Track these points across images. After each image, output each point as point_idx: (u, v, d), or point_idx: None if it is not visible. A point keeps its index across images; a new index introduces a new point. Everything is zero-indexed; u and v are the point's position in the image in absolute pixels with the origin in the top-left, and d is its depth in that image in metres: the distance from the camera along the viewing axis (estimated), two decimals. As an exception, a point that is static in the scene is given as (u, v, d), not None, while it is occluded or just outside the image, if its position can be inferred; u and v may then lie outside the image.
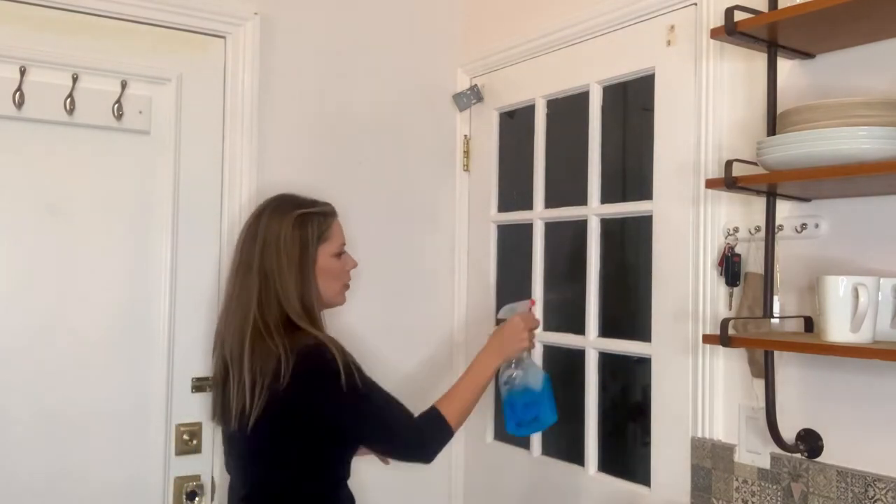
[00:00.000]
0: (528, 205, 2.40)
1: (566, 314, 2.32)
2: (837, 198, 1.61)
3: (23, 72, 1.99)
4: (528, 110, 2.41)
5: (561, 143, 2.38)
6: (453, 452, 2.57)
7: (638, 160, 2.14)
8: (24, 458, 1.99)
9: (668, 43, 1.96)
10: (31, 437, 2.00)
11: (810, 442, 1.62)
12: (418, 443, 1.74)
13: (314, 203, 1.82)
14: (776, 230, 1.65)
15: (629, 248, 2.37)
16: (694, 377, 1.85)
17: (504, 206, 2.53)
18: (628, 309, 2.33)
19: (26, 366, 2.00)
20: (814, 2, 1.40)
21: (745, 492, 1.73)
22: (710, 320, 1.82)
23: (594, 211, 2.18)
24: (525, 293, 2.37)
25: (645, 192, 2.03)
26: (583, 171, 2.19)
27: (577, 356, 2.19)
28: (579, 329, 2.20)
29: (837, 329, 1.42)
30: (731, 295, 1.77)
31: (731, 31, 1.54)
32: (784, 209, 1.67)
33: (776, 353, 1.64)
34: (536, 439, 2.34)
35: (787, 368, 1.66)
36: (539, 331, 2.34)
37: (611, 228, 2.24)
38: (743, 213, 1.77)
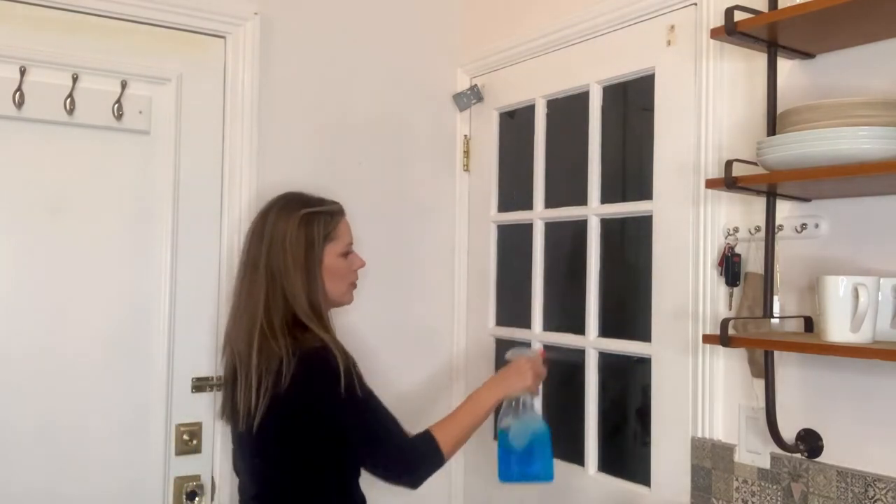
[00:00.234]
0: (528, 205, 2.40)
1: (566, 314, 2.32)
2: (837, 198, 1.61)
3: (23, 72, 1.99)
4: (528, 110, 2.41)
5: (561, 143, 2.38)
6: (453, 452, 2.57)
7: (638, 160, 2.14)
8: (25, 457, 1.99)
9: (668, 43, 1.95)
10: (31, 436, 2.00)
11: (810, 442, 1.62)
12: (408, 463, 1.70)
13: (321, 202, 1.81)
14: (776, 230, 1.65)
15: (629, 248, 2.37)
16: (694, 377, 1.85)
17: (504, 206, 2.53)
18: (628, 309, 2.32)
19: (26, 365, 2.00)
20: (814, 2, 1.40)
21: (745, 492, 1.73)
22: (710, 320, 1.82)
23: (594, 211, 2.18)
24: (525, 293, 2.37)
25: (645, 193, 2.03)
26: (583, 171, 2.19)
27: (577, 356, 2.19)
28: (579, 329, 2.20)
29: (837, 329, 1.42)
30: (731, 295, 1.77)
31: (731, 31, 1.54)
32: (784, 209, 1.67)
33: (776, 353, 1.64)
34: (536, 439, 2.34)
35: (787, 368, 1.66)
36: (539, 331, 2.34)
37: (611, 228, 2.24)
38: (743, 213, 1.77)
